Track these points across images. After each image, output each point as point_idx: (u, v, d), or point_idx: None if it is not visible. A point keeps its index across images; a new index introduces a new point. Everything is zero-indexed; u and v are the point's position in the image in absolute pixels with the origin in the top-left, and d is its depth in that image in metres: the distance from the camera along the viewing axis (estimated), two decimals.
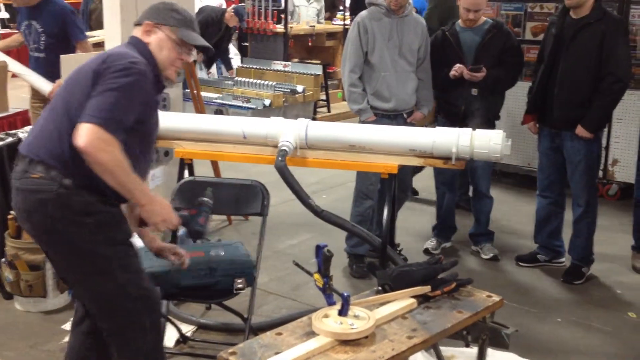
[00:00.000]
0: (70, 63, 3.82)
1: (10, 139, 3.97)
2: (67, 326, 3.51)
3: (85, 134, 2.16)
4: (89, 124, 2.17)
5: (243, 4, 8.76)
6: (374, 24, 4.12)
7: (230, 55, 8.97)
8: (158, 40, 2.44)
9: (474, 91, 4.24)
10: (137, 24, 2.51)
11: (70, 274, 2.49)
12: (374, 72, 4.14)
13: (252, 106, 6.88)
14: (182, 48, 2.47)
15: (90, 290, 2.43)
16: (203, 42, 2.53)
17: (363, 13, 4.22)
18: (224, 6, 8.38)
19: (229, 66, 8.38)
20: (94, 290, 2.42)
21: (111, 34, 3.66)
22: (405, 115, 4.24)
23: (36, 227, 2.36)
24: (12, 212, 3.67)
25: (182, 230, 2.85)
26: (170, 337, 3.28)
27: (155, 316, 2.49)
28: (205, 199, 2.73)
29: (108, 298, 2.39)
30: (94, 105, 2.22)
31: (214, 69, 8.72)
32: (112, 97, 2.23)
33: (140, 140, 2.41)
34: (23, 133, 4.02)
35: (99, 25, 7.45)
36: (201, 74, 7.63)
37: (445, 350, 3.08)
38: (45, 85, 4.69)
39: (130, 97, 2.27)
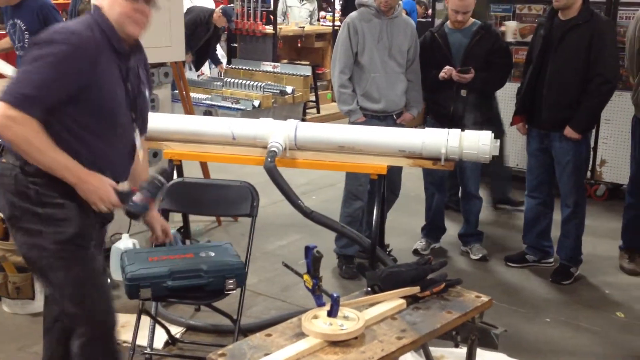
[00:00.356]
0: None
1: None
2: None
3: None
4: (1, 102, 2.09)
5: (232, 5, 8.74)
6: (364, 25, 4.12)
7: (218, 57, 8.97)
8: (108, 1, 2.25)
9: (463, 92, 4.25)
10: None
11: (27, 263, 2.42)
12: (364, 73, 4.15)
13: (242, 107, 6.87)
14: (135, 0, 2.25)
15: (41, 283, 2.40)
16: None
17: (353, 14, 4.23)
18: (214, 7, 8.37)
19: (217, 62, 8.37)
20: (44, 284, 2.36)
21: None
22: (394, 117, 4.25)
23: (2, 211, 2.34)
24: None
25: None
26: (159, 338, 3.27)
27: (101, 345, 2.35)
28: (157, 175, 2.38)
29: (53, 295, 2.35)
30: (8, 82, 2.12)
31: (206, 68, 8.70)
32: (25, 73, 2.12)
33: (96, 120, 2.24)
34: None
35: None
36: (190, 74, 7.61)
37: (435, 350, 3.08)
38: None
39: (51, 71, 2.10)
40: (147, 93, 2.46)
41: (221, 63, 8.39)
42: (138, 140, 2.48)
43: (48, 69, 2.10)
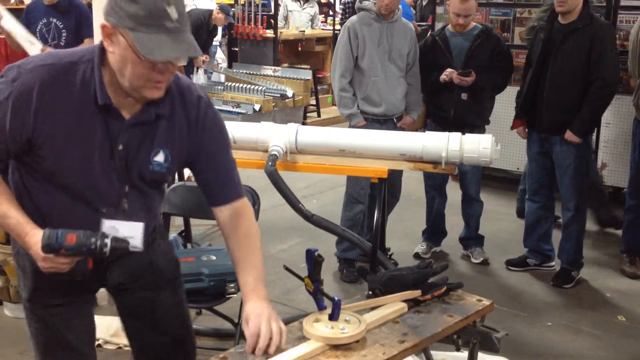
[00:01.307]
0: None
1: None
2: None
3: None
4: None
5: (233, 9, 8.77)
6: (364, 29, 4.13)
7: (218, 61, 8.99)
8: (119, 50, 1.69)
9: (464, 96, 4.26)
10: None
11: None
12: (364, 77, 4.16)
13: (242, 111, 6.88)
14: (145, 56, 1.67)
15: None
16: (172, 52, 1.68)
17: (353, 18, 4.24)
18: (212, 7, 8.43)
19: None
20: None
21: (100, 37, 3.65)
22: (395, 120, 4.25)
23: None
24: None
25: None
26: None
27: None
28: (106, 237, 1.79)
29: None
30: None
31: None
32: None
33: (44, 179, 1.82)
34: None
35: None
36: (196, 78, 7.64)
37: (436, 354, 3.08)
38: (30, 47, 4.70)
39: None
40: (164, 156, 1.88)
41: (207, 54, 8.42)
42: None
43: None
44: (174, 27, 1.67)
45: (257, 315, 1.84)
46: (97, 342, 3.34)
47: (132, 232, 1.82)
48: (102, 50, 1.76)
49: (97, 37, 3.50)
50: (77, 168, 1.79)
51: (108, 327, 3.39)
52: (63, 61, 1.76)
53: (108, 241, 1.77)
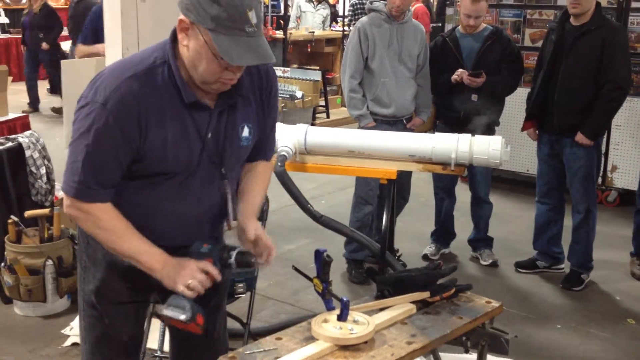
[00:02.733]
0: (70, 69, 3.83)
1: (10, 144, 3.98)
2: (67, 331, 3.51)
3: (64, 203, 1.86)
4: (63, 193, 1.84)
5: None
6: (375, 30, 4.13)
7: None
8: (195, 46, 1.72)
9: (474, 97, 4.25)
10: None
11: None
12: (374, 78, 4.16)
13: None
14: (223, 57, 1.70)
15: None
16: (249, 57, 1.70)
17: (363, 19, 4.24)
18: None
19: None
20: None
21: (111, 41, 3.66)
22: (404, 121, 4.25)
23: None
24: (12, 216, 3.68)
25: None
26: (169, 342, 3.27)
27: None
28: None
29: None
30: (66, 164, 1.83)
31: None
32: (74, 154, 1.78)
33: (170, 185, 1.86)
34: (23, 138, 4.03)
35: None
36: None
37: (445, 356, 3.07)
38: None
39: (96, 150, 1.75)
40: (248, 130, 1.94)
41: None
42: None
43: (93, 148, 1.75)
44: (252, 31, 1.70)
45: (263, 233, 1.97)
46: (75, 341, 3.37)
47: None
48: (172, 47, 1.80)
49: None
50: (177, 166, 1.84)
51: None
52: (142, 69, 1.78)
53: (234, 254, 1.88)
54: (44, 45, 9.22)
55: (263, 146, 2.07)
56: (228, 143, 1.90)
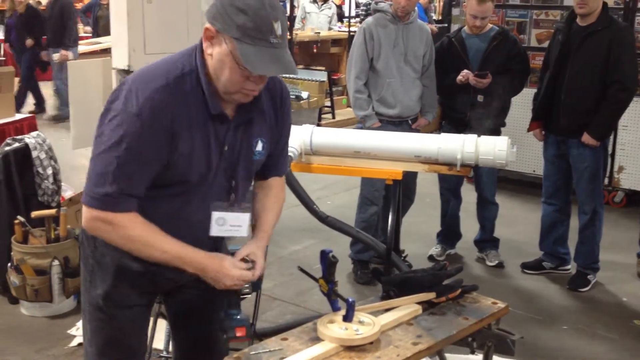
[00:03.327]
0: (76, 69, 3.84)
1: (17, 144, 3.99)
2: (73, 331, 3.53)
3: (83, 217, 1.82)
4: (83, 205, 1.80)
5: None
6: (380, 31, 4.13)
7: None
8: (219, 55, 1.73)
9: (480, 98, 4.24)
10: None
11: None
12: (379, 79, 4.16)
13: None
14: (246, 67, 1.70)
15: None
16: (272, 67, 1.71)
17: (369, 19, 4.24)
18: None
19: None
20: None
21: (118, 41, 3.67)
22: (410, 122, 4.24)
23: None
24: (19, 217, 3.69)
25: None
26: (172, 343, 3.27)
27: None
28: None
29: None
30: (88, 176, 1.79)
31: None
32: (101, 166, 1.75)
33: (183, 195, 1.86)
34: (30, 138, 4.04)
35: (106, 32, 7.49)
36: None
37: (451, 357, 3.07)
38: None
39: (128, 161, 1.73)
40: (262, 145, 1.96)
41: None
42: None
43: (123, 156, 1.73)
44: (277, 42, 1.71)
45: (260, 259, 1.99)
46: (81, 341, 3.37)
47: (239, 221, 1.95)
48: (202, 56, 1.79)
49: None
50: (198, 175, 1.84)
51: None
52: (172, 77, 1.77)
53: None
54: (29, 42, 9.12)
55: (276, 162, 2.08)
56: (242, 156, 1.91)
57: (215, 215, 1.92)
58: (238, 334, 1.95)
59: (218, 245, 2.05)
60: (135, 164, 1.74)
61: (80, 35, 11.36)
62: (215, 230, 1.93)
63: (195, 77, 1.78)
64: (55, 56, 8.71)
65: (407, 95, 4.18)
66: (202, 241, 1.93)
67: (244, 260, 1.94)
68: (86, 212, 1.80)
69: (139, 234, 1.80)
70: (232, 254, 1.96)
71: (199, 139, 1.80)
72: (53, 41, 8.79)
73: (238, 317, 1.98)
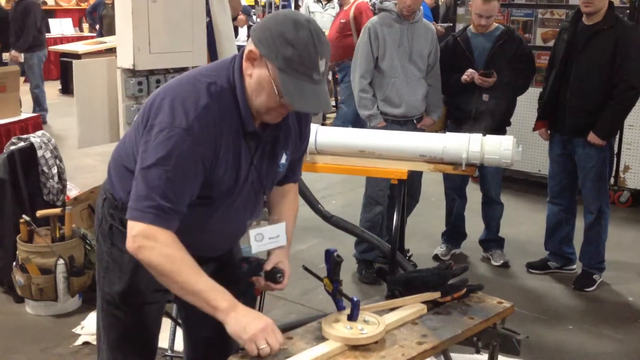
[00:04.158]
0: (81, 69, 3.85)
1: (22, 144, 4.00)
2: (78, 330, 3.53)
3: (128, 235, 1.77)
4: (130, 221, 1.76)
5: (253, 10, 8.81)
6: (385, 30, 4.13)
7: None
8: (258, 78, 1.75)
9: (485, 97, 4.23)
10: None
11: None
12: (384, 78, 4.15)
13: None
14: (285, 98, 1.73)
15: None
16: (310, 104, 1.75)
17: (374, 19, 4.24)
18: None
19: None
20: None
21: (123, 40, 3.67)
22: (415, 121, 4.24)
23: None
24: (24, 216, 3.70)
25: None
26: (180, 340, 3.28)
27: None
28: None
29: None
30: (135, 191, 1.75)
31: None
32: (151, 180, 1.73)
33: (212, 210, 1.88)
34: (35, 138, 4.05)
35: (111, 31, 7.49)
36: None
37: (455, 356, 3.06)
38: None
39: (177, 175, 1.72)
40: (285, 157, 2.00)
41: None
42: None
43: (174, 171, 1.72)
44: (318, 79, 1.73)
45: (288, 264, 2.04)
46: (86, 340, 3.37)
47: (277, 232, 2.00)
48: (240, 73, 1.80)
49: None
50: (225, 190, 1.85)
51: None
52: (215, 92, 1.77)
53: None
54: None
55: (293, 168, 2.12)
56: (269, 169, 1.95)
57: (253, 233, 1.95)
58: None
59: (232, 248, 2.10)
60: (183, 179, 1.74)
61: (85, 35, 11.36)
62: (255, 247, 1.96)
63: (232, 93, 1.80)
64: (5, 55, 8.57)
65: (412, 95, 4.17)
66: (221, 250, 1.97)
67: (274, 269, 1.97)
68: (132, 228, 1.75)
69: (176, 255, 1.75)
70: (245, 258, 2.00)
71: (231, 155, 1.82)
72: (14, 43, 8.56)
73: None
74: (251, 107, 1.81)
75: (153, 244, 1.74)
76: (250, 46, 1.76)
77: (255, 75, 1.76)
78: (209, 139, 1.75)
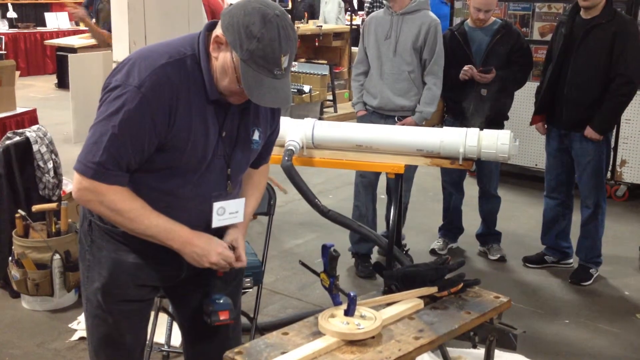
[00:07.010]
0: (77, 63, 3.83)
1: (17, 138, 3.98)
2: (74, 325, 3.53)
3: (73, 185, 1.82)
4: (75, 172, 1.80)
5: None
6: (375, 22, 4.20)
7: None
8: (223, 62, 1.78)
9: (483, 91, 4.22)
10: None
11: None
12: (369, 69, 4.22)
13: None
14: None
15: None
16: (268, 98, 1.77)
17: (375, 12, 4.31)
18: None
19: None
20: None
21: (118, 34, 3.66)
22: (396, 119, 4.15)
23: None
24: (19, 211, 3.69)
25: None
26: (176, 336, 3.28)
27: None
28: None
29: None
30: (84, 144, 1.80)
31: None
32: (97, 135, 1.76)
33: (178, 180, 1.87)
34: (30, 132, 4.03)
35: (107, 24, 7.45)
36: None
37: (452, 351, 3.07)
38: None
39: (123, 132, 1.74)
40: (258, 134, 2.00)
41: None
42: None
43: (119, 130, 1.74)
44: (279, 74, 1.76)
45: (242, 246, 2.04)
46: (82, 335, 3.37)
47: (237, 207, 2.00)
48: (205, 43, 1.82)
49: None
50: (192, 161, 1.86)
51: None
52: (174, 59, 1.80)
53: None
54: None
55: (266, 152, 2.14)
56: (240, 144, 1.94)
57: (217, 205, 1.94)
58: (222, 317, 1.97)
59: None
60: (129, 136, 1.75)
61: (81, 29, 11.33)
62: (216, 221, 1.95)
63: (196, 62, 1.81)
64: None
65: (389, 89, 4.10)
66: (198, 229, 1.93)
67: (229, 246, 1.97)
68: (77, 181, 1.81)
69: (128, 207, 1.81)
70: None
71: (197, 123, 1.82)
72: None
73: (221, 301, 2.00)
74: (217, 85, 1.83)
75: (98, 199, 1.80)
76: (218, 30, 1.78)
77: (221, 59, 1.79)
78: (162, 99, 1.75)
